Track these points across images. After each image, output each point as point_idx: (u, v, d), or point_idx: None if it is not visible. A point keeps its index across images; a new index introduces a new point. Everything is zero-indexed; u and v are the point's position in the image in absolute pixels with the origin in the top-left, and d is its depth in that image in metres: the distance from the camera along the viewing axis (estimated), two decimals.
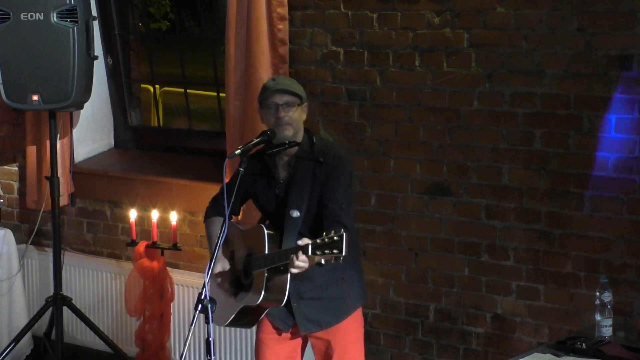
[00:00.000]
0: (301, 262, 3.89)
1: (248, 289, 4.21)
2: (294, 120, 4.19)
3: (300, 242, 3.90)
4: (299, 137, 4.24)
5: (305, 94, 4.27)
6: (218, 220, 4.37)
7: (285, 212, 4.19)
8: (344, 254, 3.77)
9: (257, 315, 4.29)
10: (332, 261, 3.84)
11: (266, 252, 4.14)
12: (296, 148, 4.22)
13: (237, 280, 4.29)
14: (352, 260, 4.28)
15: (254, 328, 4.45)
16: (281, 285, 4.11)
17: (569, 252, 4.74)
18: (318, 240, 3.83)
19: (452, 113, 5.02)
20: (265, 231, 4.19)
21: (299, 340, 4.40)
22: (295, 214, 4.16)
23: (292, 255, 3.90)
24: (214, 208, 4.47)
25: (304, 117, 4.28)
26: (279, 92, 4.20)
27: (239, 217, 5.06)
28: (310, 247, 3.84)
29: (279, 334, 4.35)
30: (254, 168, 4.30)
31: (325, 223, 4.10)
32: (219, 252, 4.26)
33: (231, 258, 4.34)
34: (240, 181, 4.16)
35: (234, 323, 4.34)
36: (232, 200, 4.08)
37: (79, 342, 6.36)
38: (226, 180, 4.24)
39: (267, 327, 4.36)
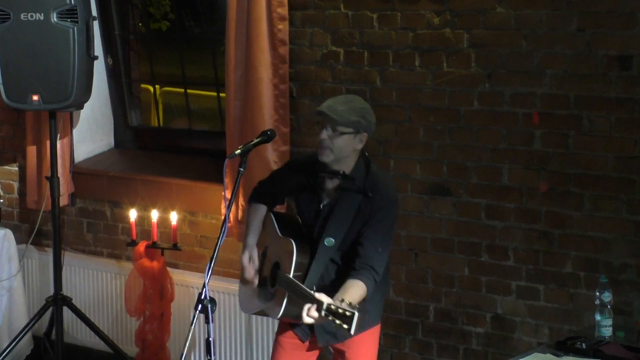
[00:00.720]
0: (310, 316, 3.86)
1: (271, 298, 4.22)
2: (337, 147, 4.07)
3: (317, 296, 3.84)
4: (346, 166, 4.13)
5: (364, 123, 4.08)
6: (260, 209, 4.37)
7: (320, 233, 4.13)
8: (352, 333, 3.71)
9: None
10: (338, 329, 3.81)
11: (291, 275, 4.09)
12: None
13: (264, 281, 4.29)
14: (380, 282, 4.19)
15: (271, 329, 4.43)
16: (301, 305, 4.03)
17: (569, 252, 4.74)
18: (332, 306, 3.77)
19: (452, 113, 5.02)
20: (295, 251, 4.12)
21: (315, 352, 4.37)
22: (330, 242, 4.10)
23: (305, 304, 3.87)
24: (258, 196, 4.42)
25: (358, 146, 4.12)
26: (323, 115, 4.09)
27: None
28: (324, 307, 3.79)
29: (298, 341, 4.33)
30: (301, 178, 4.24)
31: (357, 263, 4.04)
32: (252, 241, 4.30)
33: (264, 254, 4.35)
34: (287, 178, 4.26)
35: (258, 314, 4.39)
36: (232, 196, 4.08)
37: (79, 342, 6.36)
38: (226, 179, 4.24)
39: (288, 331, 4.34)
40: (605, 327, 4.24)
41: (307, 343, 4.32)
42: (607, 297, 4.24)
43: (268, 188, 4.41)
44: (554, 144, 4.74)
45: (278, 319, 4.22)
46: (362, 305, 4.13)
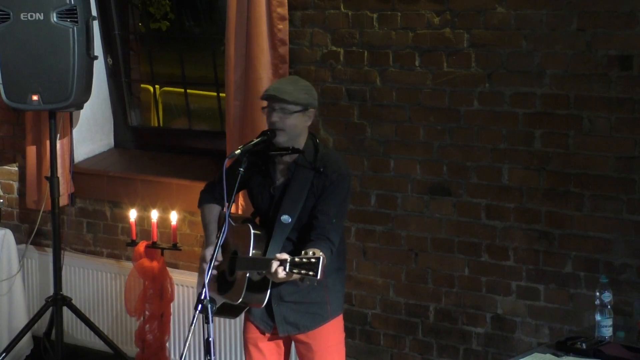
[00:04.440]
0: (279, 277, 3.91)
1: (230, 286, 4.23)
2: (288, 126, 4.15)
3: (279, 256, 3.91)
4: (299, 143, 4.21)
5: (311, 100, 4.19)
6: (214, 208, 4.41)
7: (276, 214, 4.18)
8: (318, 277, 3.80)
9: (239, 309, 4.30)
10: (307, 282, 3.87)
11: (250, 254, 4.15)
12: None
13: (222, 274, 4.30)
14: (337, 269, 4.29)
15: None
16: (262, 288, 4.13)
17: (569, 252, 4.74)
18: (296, 259, 3.84)
19: (452, 113, 5.02)
20: (252, 232, 4.19)
21: (283, 340, 4.40)
22: (287, 219, 4.16)
23: (269, 267, 3.92)
24: (208, 194, 4.48)
25: (307, 123, 4.21)
26: (273, 98, 4.19)
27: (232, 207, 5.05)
28: (288, 263, 3.86)
29: (263, 333, 4.36)
30: (254, 163, 4.29)
31: (312, 235, 4.11)
32: (212, 238, 4.32)
33: (222, 250, 4.35)
34: (233, 172, 4.18)
35: (217, 314, 4.34)
36: (232, 196, 4.11)
37: (79, 342, 6.36)
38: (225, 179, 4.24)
39: (253, 326, 4.37)
40: (605, 327, 4.24)
41: (273, 334, 4.33)
42: (607, 297, 4.24)
43: (215, 187, 4.45)
44: (554, 144, 4.74)
45: (239, 303, 4.19)
46: (323, 297, 4.24)
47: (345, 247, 4.41)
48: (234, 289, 4.20)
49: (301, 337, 4.32)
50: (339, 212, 4.17)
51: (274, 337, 4.36)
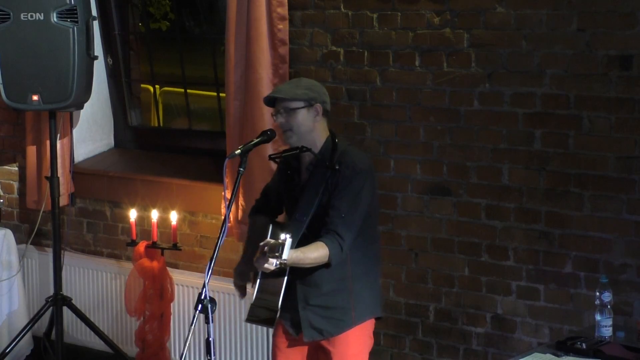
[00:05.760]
0: (261, 261, 3.93)
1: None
2: (295, 125, 4.16)
3: (265, 242, 3.95)
4: (314, 141, 4.20)
5: (313, 94, 4.18)
6: (256, 219, 4.46)
7: (294, 209, 4.20)
8: (282, 258, 3.79)
9: (269, 313, 4.25)
10: (279, 265, 3.88)
11: None
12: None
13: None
14: (364, 274, 4.25)
15: (270, 329, 4.45)
16: (275, 288, 4.13)
17: (569, 252, 4.74)
18: (271, 241, 3.87)
19: (452, 113, 5.02)
20: (269, 231, 4.21)
21: (312, 346, 4.37)
22: (301, 218, 4.16)
23: (256, 255, 3.97)
24: (255, 206, 4.55)
25: (317, 118, 4.19)
26: (272, 99, 4.22)
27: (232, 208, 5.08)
28: (267, 247, 3.88)
29: (290, 338, 4.34)
30: (284, 169, 4.34)
31: (322, 230, 4.11)
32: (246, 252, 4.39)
33: None
34: (272, 182, 4.36)
35: (252, 320, 4.32)
36: (232, 197, 4.12)
37: (79, 342, 6.36)
38: (226, 179, 4.27)
39: (282, 330, 4.36)
40: (605, 327, 4.24)
41: (300, 339, 4.30)
42: (607, 297, 4.24)
43: (260, 198, 4.54)
44: (554, 144, 4.74)
45: (254, 304, 4.20)
46: (348, 302, 4.20)
47: (374, 250, 4.33)
48: (253, 289, 4.24)
49: (324, 343, 4.27)
50: (352, 207, 4.13)
51: (301, 342, 4.31)
